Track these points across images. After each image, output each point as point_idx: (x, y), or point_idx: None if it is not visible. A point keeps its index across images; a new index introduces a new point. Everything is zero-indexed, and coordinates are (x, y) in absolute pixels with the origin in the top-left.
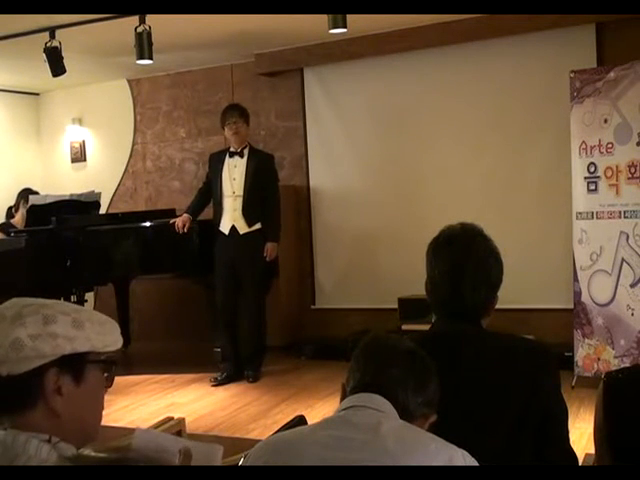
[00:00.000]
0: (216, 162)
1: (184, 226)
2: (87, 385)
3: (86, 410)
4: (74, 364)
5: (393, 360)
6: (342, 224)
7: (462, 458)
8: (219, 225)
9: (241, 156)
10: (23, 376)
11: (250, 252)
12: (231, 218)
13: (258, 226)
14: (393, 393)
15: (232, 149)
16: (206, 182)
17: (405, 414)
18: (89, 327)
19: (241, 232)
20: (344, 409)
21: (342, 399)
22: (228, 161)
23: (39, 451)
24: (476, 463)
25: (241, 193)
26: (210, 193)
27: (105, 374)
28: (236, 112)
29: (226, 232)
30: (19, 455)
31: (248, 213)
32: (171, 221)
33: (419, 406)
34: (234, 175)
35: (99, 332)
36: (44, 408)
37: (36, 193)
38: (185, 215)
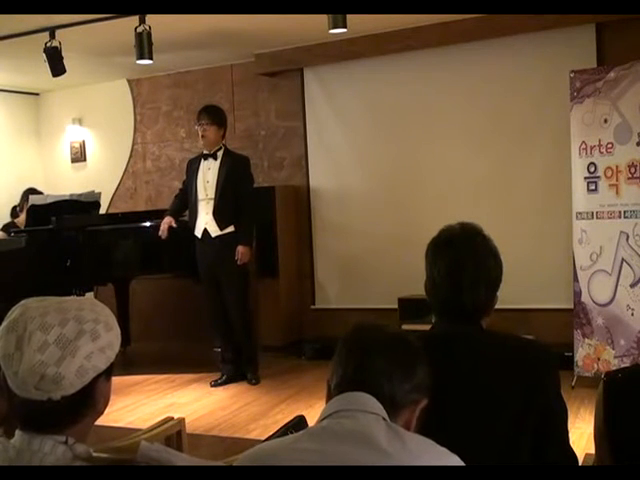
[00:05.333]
0: (192, 166)
1: (169, 228)
2: (111, 376)
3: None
4: (111, 365)
5: (375, 350)
6: (342, 224)
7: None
8: (194, 229)
9: (215, 158)
10: (77, 394)
11: (223, 255)
12: (203, 221)
13: (231, 229)
14: (378, 385)
15: (205, 151)
16: (182, 189)
17: (393, 405)
18: (114, 325)
19: (213, 235)
20: (326, 417)
21: (327, 397)
22: (203, 164)
23: (54, 451)
24: None
25: (213, 196)
26: (187, 199)
27: None
28: (205, 115)
29: (199, 236)
30: (34, 454)
31: (220, 216)
32: (160, 232)
33: (407, 393)
34: (207, 178)
35: (116, 325)
36: (92, 414)
37: (40, 193)
38: (167, 217)
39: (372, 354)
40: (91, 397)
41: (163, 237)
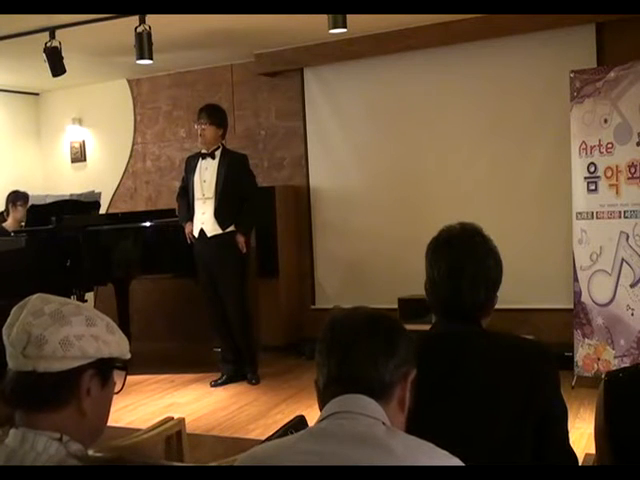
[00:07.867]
0: (190, 165)
1: (191, 232)
2: (109, 389)
3: (103, 413)
4: (105, 368)
5: (353, 341)
6: (342, 224)
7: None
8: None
9: (212, 158)
10: (61, 375)
11: (220, 255)
12: (199, 221)
13: (232, 228)
14: (365, 374)
15: (203, 151)
16: (183, 186)
17: (384, 386)
18: (117, 332)
19: (209, 235)
20: (325, 418)
21: (318, 398)
22: (200, 163)
23: (47, 448)
24: None
25: (210, 195)
26: (189, 195)
27: (119, 380)
28: (204, 115)
29: (196, 235)
30: (27, 453)
31: (221, 216)
32: (188, 241)
33: (395, 370)
34: (204, 177)
35: (121, 338)
36: (74, 408)
37: (24, 193)
38: (187, 226)
39: (351, 346)
40: (75, 385)
41: (193, 240)
